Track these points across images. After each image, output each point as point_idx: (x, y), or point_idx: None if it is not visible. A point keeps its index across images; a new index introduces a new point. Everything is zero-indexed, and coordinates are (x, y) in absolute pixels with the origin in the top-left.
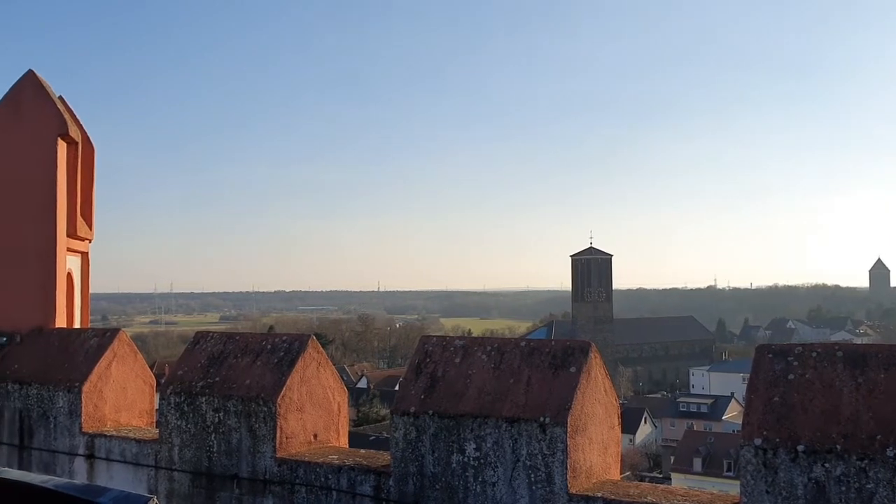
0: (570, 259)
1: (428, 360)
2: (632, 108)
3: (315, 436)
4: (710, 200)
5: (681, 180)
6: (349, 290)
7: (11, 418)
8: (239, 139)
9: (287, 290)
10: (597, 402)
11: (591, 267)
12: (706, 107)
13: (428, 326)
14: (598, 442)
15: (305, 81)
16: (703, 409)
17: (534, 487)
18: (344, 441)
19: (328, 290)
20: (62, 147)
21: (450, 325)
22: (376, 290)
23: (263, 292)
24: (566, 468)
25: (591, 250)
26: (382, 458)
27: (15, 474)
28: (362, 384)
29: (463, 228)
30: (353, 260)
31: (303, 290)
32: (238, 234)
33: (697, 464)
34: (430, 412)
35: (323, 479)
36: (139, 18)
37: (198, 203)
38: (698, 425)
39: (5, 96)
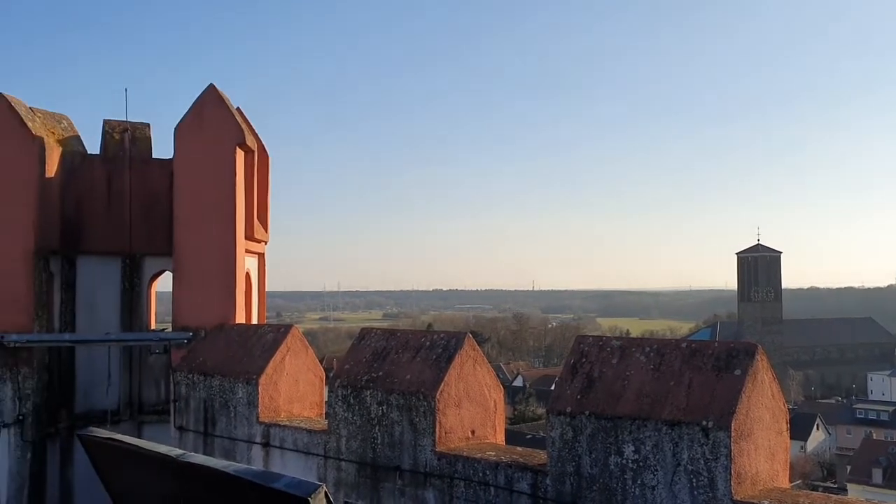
0: (735, 257)
1: (584, 360)
2: (800, 102)
3: (472, 432)
4: (890, 194)
5: (856, 173)
6: (504, 288)
7: (197, 407)
8: (399, 145)
9: (444, 289)
10: (763, 406)
11: (759, 265)
12: (884, 99)
13: (584, 326)
14: (764, 448)
15: (467, 82)
16: (884, 417)
17: (695, 493)
18: (500, 438)
19: (484, 288)
20: (240, 155)
21: (607, 325)
22: (531, 289)
23: (422, 291)
24: (730, 474)
25: (758, 247)
26: (539, 456)
27: (199, 459)
28: (518, 382)
29: (622, 226)
30: (509, 259)
31: (459, 288)
32: (398, 236)
33: (877, 475)
34: (587, 413)
35: (481, 475)
36: (316, 29)
37: (362, 207)
38: (878, 433)
39: (190, 109)
